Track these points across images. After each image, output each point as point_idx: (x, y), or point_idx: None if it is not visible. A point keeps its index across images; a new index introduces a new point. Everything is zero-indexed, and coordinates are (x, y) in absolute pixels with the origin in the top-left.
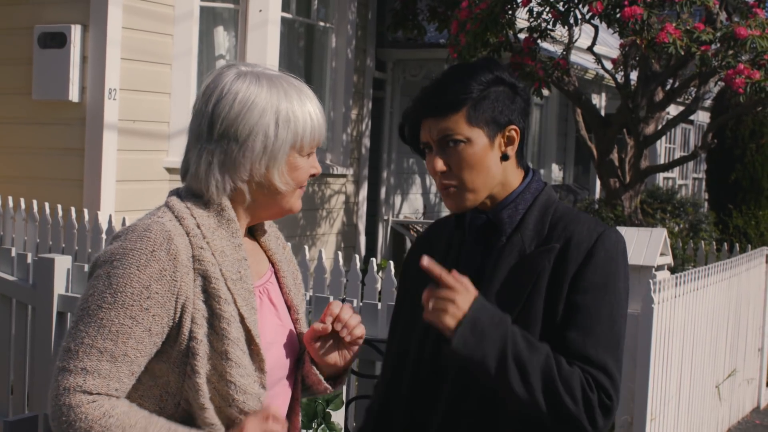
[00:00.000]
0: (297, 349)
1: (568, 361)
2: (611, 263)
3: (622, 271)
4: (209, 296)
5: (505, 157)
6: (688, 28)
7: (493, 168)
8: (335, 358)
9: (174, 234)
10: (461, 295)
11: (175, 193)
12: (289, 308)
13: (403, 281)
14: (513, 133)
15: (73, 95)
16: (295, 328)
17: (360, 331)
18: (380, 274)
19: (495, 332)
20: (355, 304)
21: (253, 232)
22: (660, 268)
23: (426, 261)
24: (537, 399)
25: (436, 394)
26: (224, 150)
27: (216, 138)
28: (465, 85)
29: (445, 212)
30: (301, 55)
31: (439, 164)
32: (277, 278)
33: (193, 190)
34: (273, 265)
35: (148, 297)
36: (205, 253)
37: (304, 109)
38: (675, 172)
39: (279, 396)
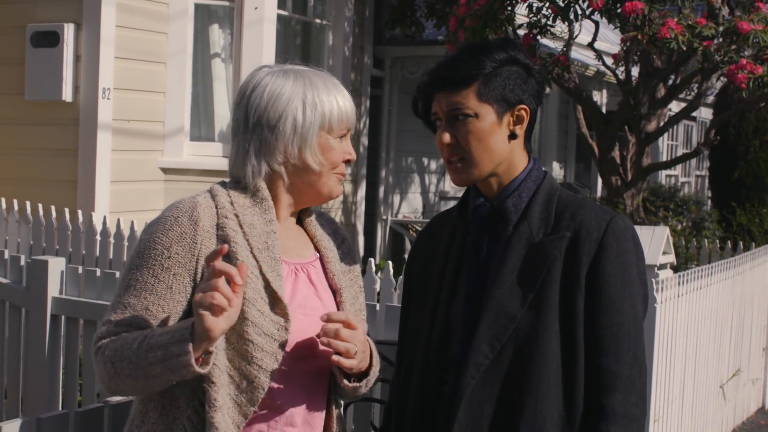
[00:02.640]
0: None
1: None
2: (624, 253)
3: (634, 256)
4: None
5: (513, 136)
6: (690, 23)
7: (500, 145)
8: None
9: (200, 205)
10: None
11: (221, 182)
12: (334, 292)
13: (407, 281)
14: (523, 112)
15: (67, 95)
16: (339, 310)
17: (345, 361)
18: (379, 274)
19: None
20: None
21: (302, 222)
22: (663, 267)
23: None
24: None
25: (443, 396)
26: (258, 137)
27: (251, 128)
28: (478, 60)
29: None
30: (298, 53)
31: (446, 137)
32: (323, 264)
33: (234, 179)
34: (319, 251)
35: (169, 257)
36: (230, 222)
37: (330, 95)
38: (677, 170)
39: (315, 379)
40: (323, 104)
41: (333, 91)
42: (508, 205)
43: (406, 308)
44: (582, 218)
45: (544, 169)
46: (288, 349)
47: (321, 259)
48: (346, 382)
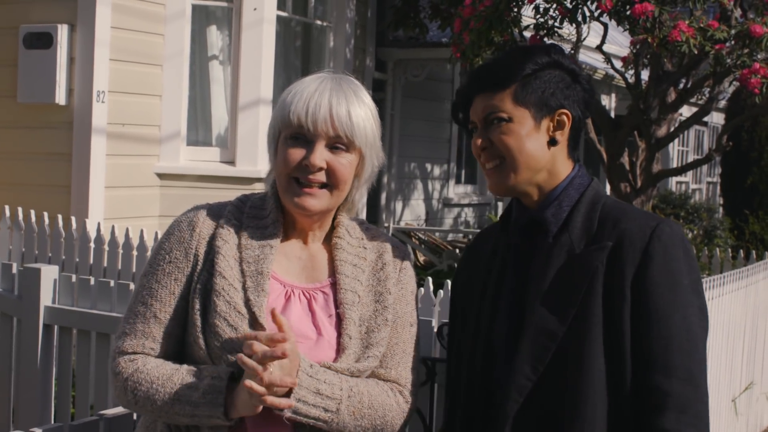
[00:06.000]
0: (325, 358)
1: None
2: (673, 261)
3: (684, 264)
4: (213, 268)
5: (553, 142)
6: (702, 25)
7: (538, 151)
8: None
9: (204, 212)
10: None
11: (256, 193)
12: (340, 320)
13: (453, 298)
14: (564, 117)
15: (60, 98)
16: (338, 341)
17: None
18: None
19: None
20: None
21: (330, 240)
22: None
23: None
24: None
25: (489, 419)
26: (272, 151)
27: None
28: (518, 63)
29: (447, 219)
30: (298, 55)
31: (479, 141)
32: (334, 290)
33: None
34: (334, 276)
35: (170, 262)
36: (224, 232)
37: (304, 95)
38: (688, 176)
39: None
40: (284, 103)
41: (311, 87)
42: (548, 216)
43: (453, 326)
44: (625, 226)
45: (591, 175)
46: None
47: (334, 284)
48: (273, 399)
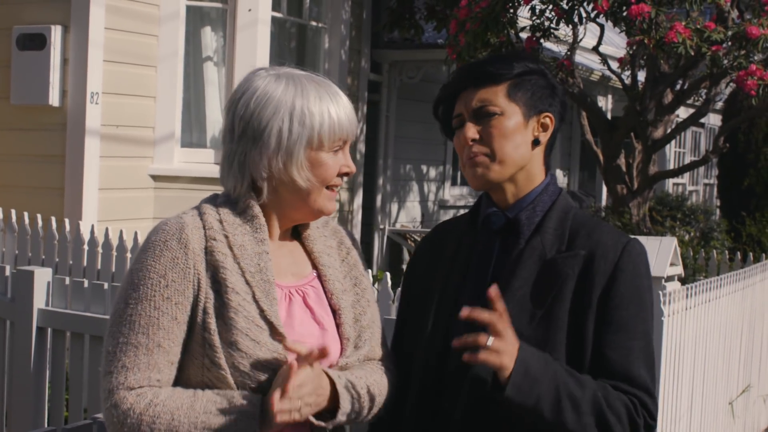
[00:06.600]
0: (335, 353)
1: (612, 384)
2: (640, 277)
3: (647, 283)
4: (219, 286)
5: (536, 142)
6: (698, 27)
7: (523, 147)
8: None
9: (188, 226)
10: (508, 341)
11: (213, 195)
12: (334, 312)
13: (405, 290)
14: (548, 120)
15: (54, 99)
16: (339, 332)
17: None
18: (376, 285)
19: (545, 376)
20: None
21: (300, 235)
22: (670, 278)
23: (467, 311)
24: None
25: (446, 406)
26: (243, 149)
27: (236, 138)
28: (508, 63)
29: (443, 221)
30: (293, 57)
31: (472, 131)
32: (321, 281)
33: (227, 192)
34: (317, 268)
35: (167, 286)
36: (218, 245)
37: (322, 106)
38: (685, 178)
39: None
40: (312, 116)
41: (326, 100)
42: (522, 218)
43: (402, 319)
44: (598, 238)
45: (560, 186)
46: None
47: (319, 276)
48: (312, 419)
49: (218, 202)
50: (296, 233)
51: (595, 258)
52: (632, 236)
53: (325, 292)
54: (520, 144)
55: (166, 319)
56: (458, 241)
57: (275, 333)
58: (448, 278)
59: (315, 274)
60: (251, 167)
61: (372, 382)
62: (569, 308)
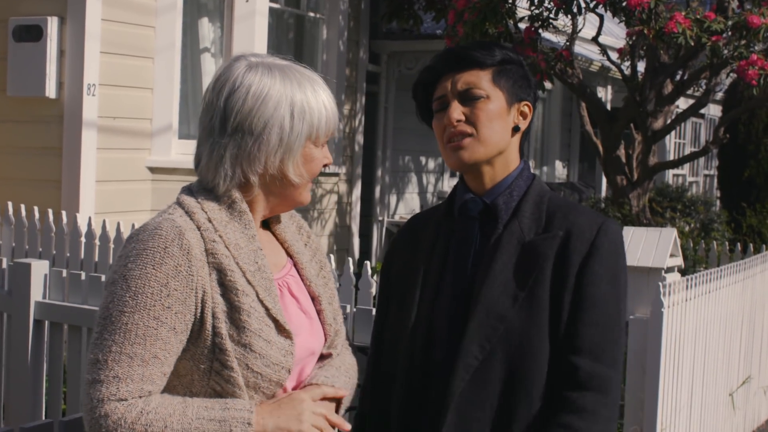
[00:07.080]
0: (322, 340)
1: (574, 364)
2: (615, 256)
3: (622, 263)
4: (226, 289)
5: (516, 129)
6: (698, 16)
7: (504, 132)
8: None
9: (185, 229)
10: None
11: (187, 189)
12: (313, 299)
13: (384, 282)
14: (526, 109)
15: (50, 91)
16: (320, 318)
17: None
18: (375, 277)
19: None
20: (348, 310)
21: (269, 225)
22: (670, 270)
23: None
24: None
25: (429, 401)
26: (238, 144)
27: (229, 132)
28: (491, 50)
29: None
30: (291, 48)
31: (457, 111)
32: (297, 270)
33: (204, 185)
34: (291, 257)
35: (168, 295)
36: (218, 246)
37: (318, 99)
38: (685, 169)
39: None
40: (311, 111)
41: (321, 93)
42: (499, 203)
43: (383, 311)
44: (575, 219)
45: (533, 173)
46: (291, 373)
47: (295, 265)
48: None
49: (198, 196)
50: (264, 222)
51: (572, 237)
52: (608, 217)
53: (303, 280)
54: (502, 129)
55: (165, 330)
56: (436, 231)
57: (281, 330)
58: (428, 268)
59: (291, 263)
60: (246, 163)
61: (348, 365)
62: (549, 288)
